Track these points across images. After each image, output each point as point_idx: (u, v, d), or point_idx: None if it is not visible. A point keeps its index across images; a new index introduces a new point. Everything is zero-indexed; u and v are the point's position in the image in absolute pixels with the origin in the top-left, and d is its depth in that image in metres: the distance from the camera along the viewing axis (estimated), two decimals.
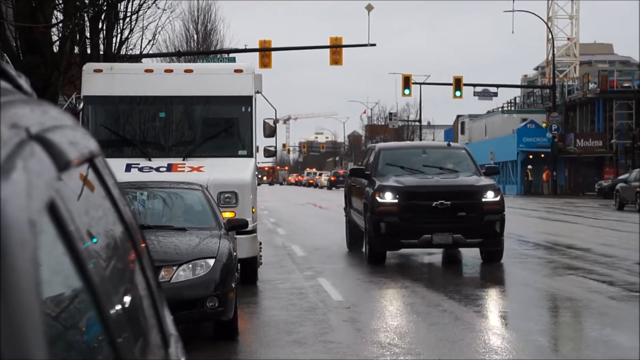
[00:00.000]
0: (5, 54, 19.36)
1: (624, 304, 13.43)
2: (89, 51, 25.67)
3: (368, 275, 17.08)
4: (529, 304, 13.72)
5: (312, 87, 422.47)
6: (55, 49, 19.72)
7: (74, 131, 1.92)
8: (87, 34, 25.83)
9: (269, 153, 17.69)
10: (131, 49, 29.84)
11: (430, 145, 23.98)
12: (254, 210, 15.34)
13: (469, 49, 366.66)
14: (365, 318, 12.17)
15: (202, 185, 13.05)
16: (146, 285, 2.30)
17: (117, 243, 2.13)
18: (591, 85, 71.17)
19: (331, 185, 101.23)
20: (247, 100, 16.36)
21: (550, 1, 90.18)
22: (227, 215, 13.89)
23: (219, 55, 48.41)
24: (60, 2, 20.44)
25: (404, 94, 62.00)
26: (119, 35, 27.98)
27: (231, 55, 47.07)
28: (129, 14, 28.33)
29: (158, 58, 44.47)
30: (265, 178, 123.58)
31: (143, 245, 2.43)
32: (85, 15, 23.86)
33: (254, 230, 15.24)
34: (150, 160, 15.62)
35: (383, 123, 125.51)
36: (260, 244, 16.57)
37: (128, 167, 15.21)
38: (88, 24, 25.60)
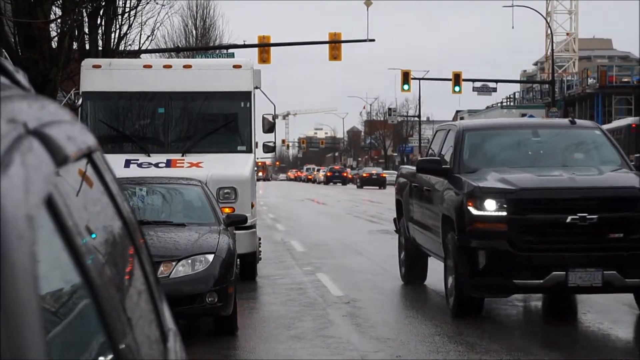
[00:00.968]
0: (3, 50, 19.36)
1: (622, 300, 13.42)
2: (87, 47, 25.67)
3: (367, 270, 17.08)
4: (522, 298, 13.71)
5: (311, 82, 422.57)
6: (54, 44, 19.71)
7: (72, 126, 1.92)
8: (86, 30, 25.83)
9: (268, 149, 17.68)
10: (130, 45, 29.86)
11: (545, 124, 15.57)
12: (253, 205, 15.34)
13: (468, 44, 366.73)
14: (365, 313, 12.18)
15: (201, 181, 13.05)
16: (145, 280, 2.30)
17: (115, 238, 2.13)
18: (590, 81, 71.20)
19: (327, 180, 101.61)
20: (246, 96, 16.36)
21: None
22: (226, 210, 13.90)
23: (217, 51, 48.36)
24: None
25: (403, 90, 61.95)
26: (118, 31, 27.99)
27: (230, 50, 47.06)
28: (127, 10, 28.33)
29: (157, 54, 44.44)
30: (261, 174, 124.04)
31: (142, 240, 2.43)
32: (84, 10, 23.86)
33: (253, 226, 15.25)
34: (149, 156, 15.62)
35: (382, 118, 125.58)
36: (260, 239, 16.57)
37: (127, 163, 15.21)
38: (87, 20, 25.60)
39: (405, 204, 15.17)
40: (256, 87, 16.77)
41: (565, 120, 14.28)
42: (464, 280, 11.38)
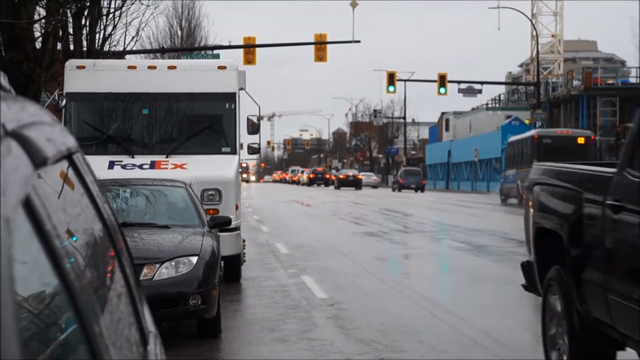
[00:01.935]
0: None
1: None
2: (72, 47, 25.57)
3: (352, 272, 17.08)
4: (513, 300, 13.74)
5: (296, 84, 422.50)
6: (38, 45, 19.63)
7: (52, 128, 1.91)
8: (70, 30, 25.73)
9: (252, 150, 17.64)
10: (115, 46, 29.77)
11: None
12: (237, 207, 15.31)
13: (454, 46, 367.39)
14: (349, 315, 12.17)
15: (185, 183, 13.02)
16: (125, 282, 2.29)
17: (95, 240, 2.12)
18: (575, 82, 71.43)
19: (311, 182, 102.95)
20: (231, 97, 16.33)
21: None
22: (211, 212, 13.86)
23: (203, 52, 48.30)
24: None
25: (388, 91, 62.03)
26: (103, 32, 27.89)
27: (215, 51, 47.02)
28: (112, 10, 28.24)
29: (142, 54, 44.33)
30: (245, 175, 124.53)
31: (122, 242, 2.42)
32: (68, 11, 23.77)
33: (237, 228, 15.22)
34: (133, 157, 15.57)
35: (368, 120, 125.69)
36: (244, 241, 16.54)
37: (111, 165, 15.16)
38: (71, 20, 25.51)
39: (574, 243, 7.58)
40: (241, 89, 16.74)
41: None
42: None
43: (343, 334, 10.85)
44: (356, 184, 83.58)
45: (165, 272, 10.11)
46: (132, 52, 34.32)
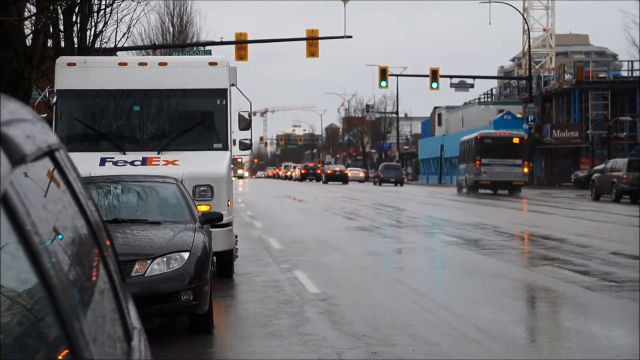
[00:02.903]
0: None
1: (598, 294, 13.51)
2: (62, 44, 25.52)
3: (344, 267, 17.09)
4: (503, 294, 13.77)
5: (289, 79, 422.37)
6: (28, 42, 19.59)
7: (32, 125, 1.91)
8: (61, 27, 25.68)
9: (244, 146, 17.63)
10: (106, 42, 29.70)
11: None
12: (229, 203, 15.31)
13: (446, 40, 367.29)
14: (341, 310, 12.19)
15: (176, 179, 13.01)
16: (108, 279, 2.29)
17: (77, 237, 2.12)
18: (567, 76, 71.51)
19: (302, 177, 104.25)
20: (222, 93, 16.32)
21: None
22: (203, 208, 13.86)
23: (194, 48, 48.24)
24: None
25: (380, 86, 62.10)
26: (94, 29, 27.85)
27: (207, 48, 46.96)
28: (103, 7, 28.19)
29: (133, 51, 44.28)
30: (240, 170, 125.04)
31: (106, 239, 2.42)
32: (59, 8, 23.72)
33: (229, 224, 15.22)
34: (125, 154, 15.56)
35: (360, 115, 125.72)
36: (236, 237, 16.54)
37: (102, 161, 15.15)
38: (62, 17, 25.45)
39: None
40: (232, 85, 16.72)
41: None
42: None
43: (335, 329, 10.87)
44: (343, 178, 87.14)
45: (156, 268, 10.11)
46: (123, 48, 34.28)
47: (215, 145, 16.07)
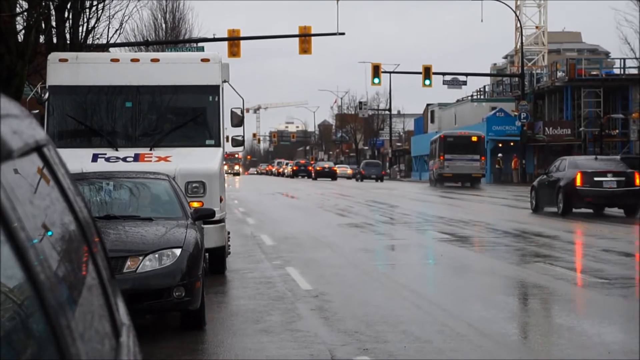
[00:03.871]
0: None
1: (589, 291, 13.54)
2: (55, 40, 25.47)
3: (336, 264, 17.10)
4: (495, 291, 13.79)
5: (282, 76, 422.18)
6: (20, 38, 19.55)
7: (19, 120, 1.91)
8: (53, 23, 25.63)
9: (236, 142, 17.61)
10: (98, 39, 29.66)
11: None
12: (222, 199, 15.30)
13: (438, 37, 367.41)
14: (333, 306, 12.19)
15: (168, 175, 13.00)
16: (97, 275, 2.29)
17: (65, 233, 2.11)
18: (559, 74, 71.56)
19: (294, 174, 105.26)
20: (214, 90, 16.31)
21: None
22: (195, 205, 13.85)
23: (187, 45, 48.21)
24: None
25: (373, 83, 62.10)
26: (86, 25, 27.79)
27: (200, 44, 46.95)
28: (95, 3, 28.14)
29: (126, 47, 44.22)
30: (237, 167, 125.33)
31: (95, 235, 2.42)
32: (51, 3, 23.67)
33: (222, 220, 15.21)
34: (117, 150, 15.54)
35: (353, 112, 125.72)
36: (229, 233, 16.53)
37: (95, 157, 15.13)
38: (54, 13, 25.40)
39: None
40: (225, 81, 16.71)
41: None
42: None
43: (327, 325, 10.87)
44: (331, 175, 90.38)
45: (148, 264, 10.11)
46: (115, 44, 34.23)
47: (207, 142, 16.06)
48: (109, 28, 36.32)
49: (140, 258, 10.10)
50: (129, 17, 52.09)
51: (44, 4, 20.78)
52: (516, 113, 68.78)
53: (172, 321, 11.11)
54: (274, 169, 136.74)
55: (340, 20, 53.72)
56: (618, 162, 31.31)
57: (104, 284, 2.32)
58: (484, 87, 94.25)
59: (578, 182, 28.80)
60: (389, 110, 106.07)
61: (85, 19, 27.70)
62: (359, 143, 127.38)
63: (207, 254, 14.22)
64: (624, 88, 68.62)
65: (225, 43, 46.09)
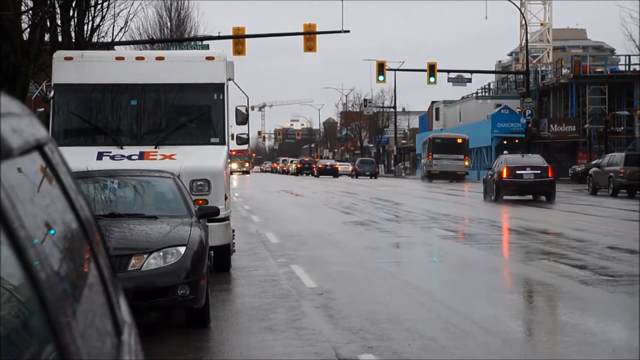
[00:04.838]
0: None
1: (594, 288, 13.53)
2: (60, 39, 25.49)
3: (341, 262, 17.10)
4: (499, 288, 13.79)
5: (286, 74, 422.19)
6: (25, 36, 19.56)
7: (20, 119, 1.91)
8: (58, 22, 25.65)
9: (241, 140, 17.63)
10: (103, 37, 29.69)
11: None
12: (227, 197, 15.30)
13: (443, 35, 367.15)
14: (338, 304, 12.19)
15: (173, 173, 13.01)
16: (98, 273, 2.29)
17: (67, 232, 2.12)
18: (564, 71, 71.47)
19: (298, 171, 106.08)
20: (219, 88, 16.31)
21: None
22: (200, 203, 13.86)
23: (192, 43, 48.20)
24: None
25: (378, 81, 62.02)
26: (91, 23, 27.82)
27: (205, 42, 46.94)
28: (100, 1, 28.16)
29: (131, 46, 44.23)
30: (247, 165, 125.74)
31: (97, 233, 2.42)
32: (56, 2, 23.69)
33: (226, 218, 15.21)
34: (122, 148, 15.55)
35: (358, 110, 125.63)
36: (234, 231, 16.53)
37: (100, 155, 15.14)
38: (59, 11, 25.42)
39: None
40: (229, 79, 16.71)
41: None
42: None
43: (332, 323, 10.87)
44: (333, 172, 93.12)
45: (153, 262, 10.11)
46: (120, 43, 34.24)
47: (212, 140, 16.06)
48: (114, 26, 36.30)
49: (145, 256, 10.11)
50: (134, 15, 52.22)
51: (49, 2, 20.80)
52: (521, 110, 68.72)
53: (176, 319, 11.11)
54: (278, 167, 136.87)
55: (345, 18, 53.72)
56: (538, 158, 39.07)
57: (106, 282, 2.33)
58: (489, 84, 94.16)
59: (504, 174, 36.47)
60: (394, 107, 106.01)
61: (90, 17, 27.73)
62: (364, 141, 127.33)
63: (211, 252, 14.23)
64: (629, 85, 68.51)
65: (230, 41, 46.07)
